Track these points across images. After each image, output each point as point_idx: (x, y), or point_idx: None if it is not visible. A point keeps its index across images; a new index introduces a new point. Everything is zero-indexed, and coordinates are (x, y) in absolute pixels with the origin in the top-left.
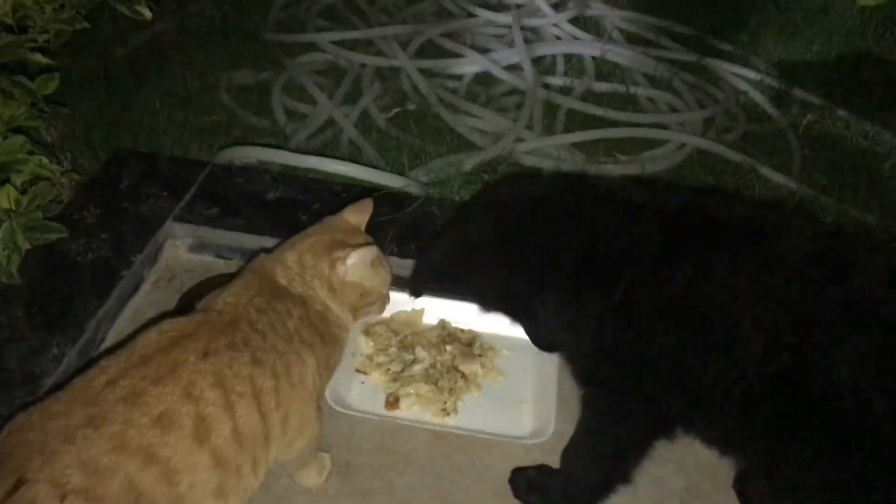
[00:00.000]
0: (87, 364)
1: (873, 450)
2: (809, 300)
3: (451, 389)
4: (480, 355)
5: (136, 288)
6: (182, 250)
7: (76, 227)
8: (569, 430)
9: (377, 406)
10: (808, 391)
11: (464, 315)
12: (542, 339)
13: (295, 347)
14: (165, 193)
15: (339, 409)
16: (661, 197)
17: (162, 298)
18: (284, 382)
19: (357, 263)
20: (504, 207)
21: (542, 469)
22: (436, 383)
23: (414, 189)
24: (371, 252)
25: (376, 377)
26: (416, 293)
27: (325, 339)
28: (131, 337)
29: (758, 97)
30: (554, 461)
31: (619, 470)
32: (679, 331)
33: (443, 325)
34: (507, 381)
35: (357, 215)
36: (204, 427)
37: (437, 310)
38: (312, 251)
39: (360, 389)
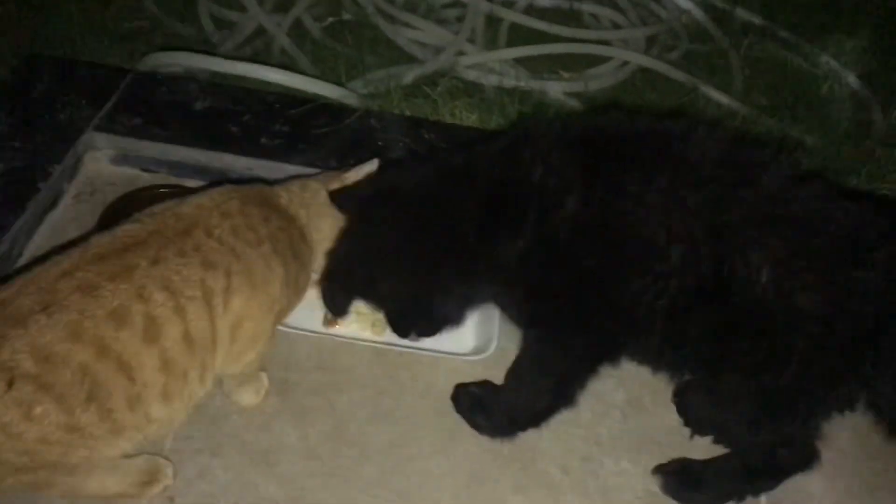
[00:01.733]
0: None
1: (803, 349)
2: (721, 206)
3: None
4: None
5: (54, 202)
6: (104, 162)
7: None
8: (511, 346)
9: (315, 324)
10: (731, 298)
11: None
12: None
13: (263, 252)
14: (84, 102)
15: (283, 328)
16: (560, 125)
17: (84, 212)
18: (242, 281)
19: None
20: (391, 200)
21: (484, 386)
22: None
23: (353, 101)
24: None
25: (313, 294)
26: (337, 312)
27: (297, 256)
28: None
29: (700, 16)
30: (496, 377)
31: (565, 396)
32: (597, 253)
33: None
34: None
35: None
36: (154, 328)
37: None
38: (319, 178)
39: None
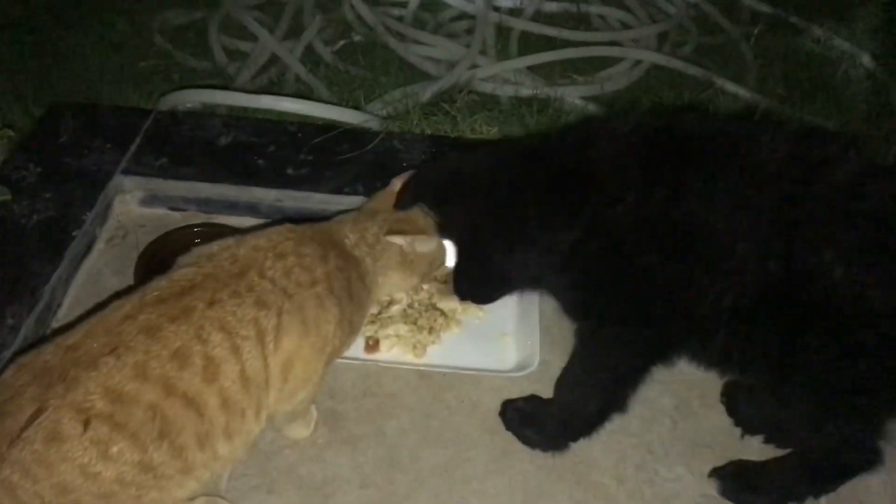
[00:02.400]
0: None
1: (874, 347)
2: (790, 203)
3: (430, 328)
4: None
5: (88, 248)
6: (133, 205)
7: (17, 187)
8: (555, 359)
9: (357, 350)
10: (802, 296)
11: None
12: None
13: (317, 292)
14: (109, 146)
15: None
16: (625, 125)
17: (117, 257)
18: (292, 320)
19: (423, 242)
20: (494, 154)
21: (532, 400)
22: (415, 323)
23: (373, 124)
24: (430, 231)
25: None
26: (402, 206)
27: (353, 297)
28: (96, 308)
29: (708, 9)
30: (541, 391)
31: (616, 399)
32: (660, 250)
33: None
34: (488, 316)
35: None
36: (213, 367)
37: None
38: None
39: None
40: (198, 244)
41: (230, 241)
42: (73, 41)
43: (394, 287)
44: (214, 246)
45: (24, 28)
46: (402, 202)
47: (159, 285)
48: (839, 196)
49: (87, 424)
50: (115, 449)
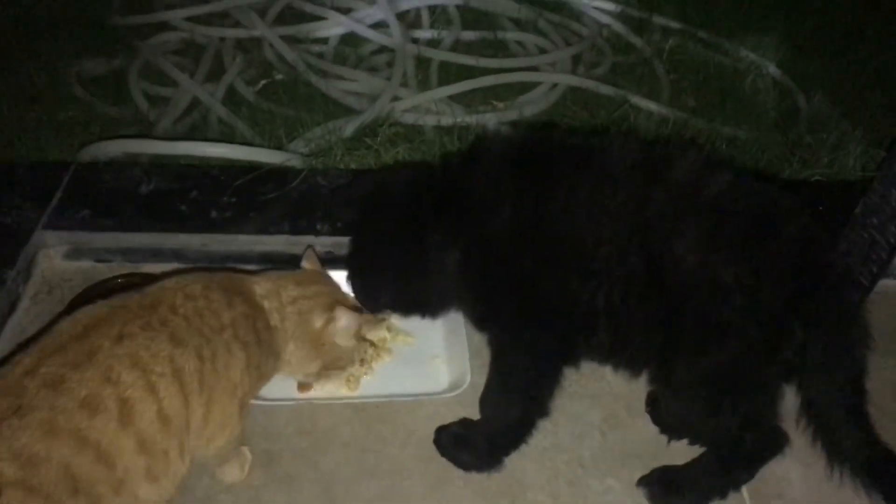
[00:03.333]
0: None
1: (734, 322)
2: (639, 204)
3: (361, 360)
4: (384, 319)
5: (13, 306)
6: (57, 259)
7: None
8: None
9: (290, 391)
10: (664, 287)
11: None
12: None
13: (224, 338)
14: (28, 202)
15: (253, 401)
16: (499, 145)
17: (44, 312)
18: (209, 367)
19: (347, 328)
20: (364, 214)
21: (463, 422)
22: None
23: (296, 162)
24: (359, 321)
25: None
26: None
27: (261, 343)
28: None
29: (620, 28)
30: (474, 413)
31: (535, 403)
32: (533, 258)
33: None
34: (417, 341)
35: (310, 263)
36: (127, 409)
37: None
38: (312, 300)
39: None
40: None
41: (134, 290)
42: None
43: (297, 364)
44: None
45: None
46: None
47: (59, 329)
48: (681, 191)
49: None
50: None
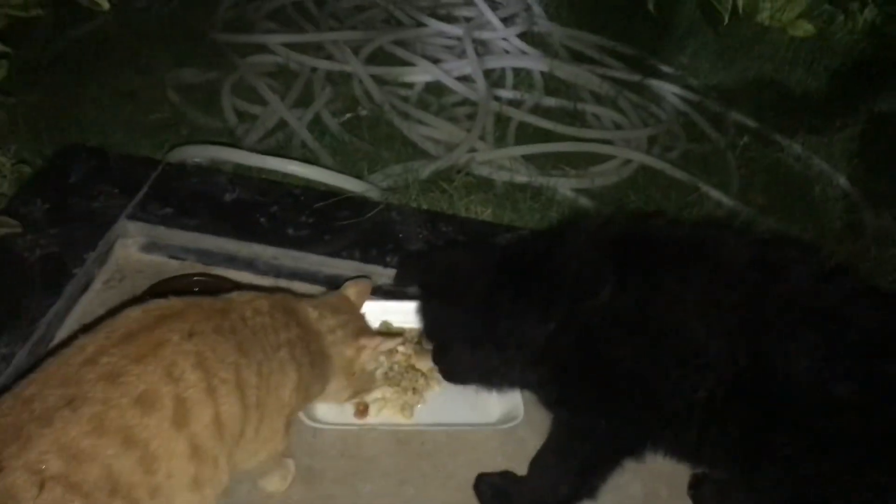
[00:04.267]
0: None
1: (841, 438)
2: (756, 303)
3: (413, 389)
4: (403, 340)
5: (85, 287)
6: (133, 250)
7: (24, 221)
8: (537, 415)
9: (347, 416)
10: (769, 390)
11: (403, 314)
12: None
13: (280, 357)
14: (117, 191)
15: (312, 423)
16: (596, 226)
17: (112, 298)
18: (265, 383)
19: (374, 353)
20: (476, 253)
21: (506, 476)
22: (398, 384)
23: (374, 194)
24: (383, 344)
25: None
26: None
27: (314, 365)
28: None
29: (697, 118)
30: (525, 449)
31: (586, 487)
32: (632, 345)
33: (387, 326)
34: None
35: (356, 293)
36: (184, 410)
37: (376, 313)
38: (343, 329)
39: (325, 403)
40: (196, 293)
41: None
42: (90, 87)
43: (329, 392)
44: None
45: (45, 70)
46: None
47: (130, 316)
48: (799, 295)
49: (41, 486)
50: None
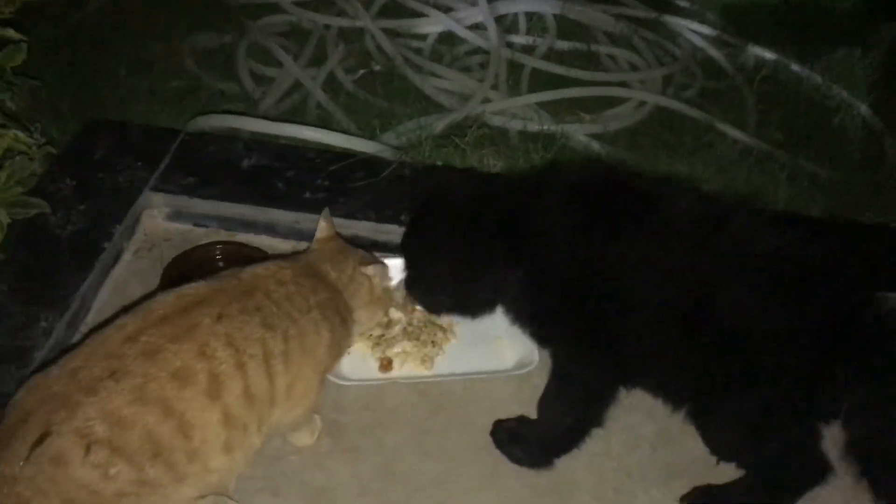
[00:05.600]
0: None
1: (782, 362)
2: (702, 250)
3: (433, 342)
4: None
5: (116, 259)
6: (160, 219)
7: (53, 199)
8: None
9: (372, 371)
10: (719, 328)
11: None
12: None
13: (313, 318)
14: (140, 163)
15: (340, 381)
16: (574, 175)
17: (143, 268)
18: (296, 346)
19: (382, 276)
20: (439, 212)
21: (521, 420)
22: (418, 338)
23: (387, 154)
24: (383, 266)
25: (360, 346)
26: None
27: (344, 323)
28: (123, 309)
29: (714, 53)
30: (539, 394)
31: (591, 412)
32: (594, 286)
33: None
34: (479, 323)
35: (326, 225)
36: (217, 384)
37: (396, 269)
38: (354, 269)
39: (348, 360)
40: (219, 260)
41: (229, 271)
42: (108, 61)
43: (367, 322)
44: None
45: (63, 48)
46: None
47: (165, 301)
48: (739, 242)
49: (87, 449)
50: (113, 470)
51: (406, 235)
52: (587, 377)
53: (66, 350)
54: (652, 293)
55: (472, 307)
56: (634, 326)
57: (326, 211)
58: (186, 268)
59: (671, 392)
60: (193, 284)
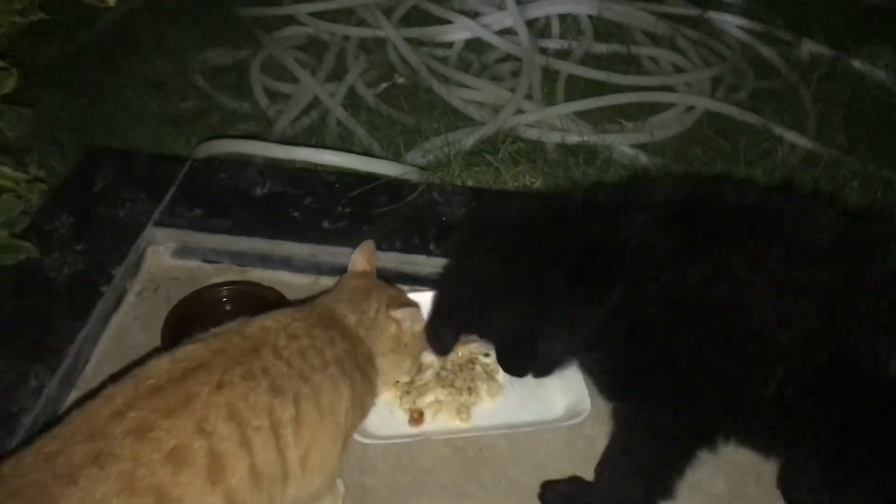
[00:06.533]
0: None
1: None
2: (843, 288)
3: (468, 388)
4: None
5: (118, 303)
6: (165, 256)
7: (48, 239)
8: (605, 408)
9: (401, 426)
10: (854, 389)
11: None
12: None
13: (329, 374)
14: (143, 195)
15: (365, 440)
16: (661, 191)
17: (148, 311)
18: (310, 410)
19: (412, 320)
20: (496, 237)
21: (574, 482)
22: (452, 385)
23: (412, 175)
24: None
25: (387, 396)
26: (441, 351)
27: (365, 378)
28: (129, 367)
29: (765, 51)
30: (594, 447)
31: (660, 486)
32: (697, 331)
33: None
34: None
35: (365, 259)
36: (218, 465)
37: (425, 304)
38: (379, 309)
39: (374, 414)
40: (225, 303)
41: (233, 324)
42: (115, 81)
43: (390, 373)
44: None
45: (65, 72)
46: (441, 346)
47: (158, 366)
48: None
49: None
50: None
51: (453, 273)
52: (668, 444)
53: (57, 414)
54: (781, 336)
55: (525, 352)
56: (753, 376)
57: (370, 244)
58: (190, 314)
59: (777, 452)
60: (190, 346)
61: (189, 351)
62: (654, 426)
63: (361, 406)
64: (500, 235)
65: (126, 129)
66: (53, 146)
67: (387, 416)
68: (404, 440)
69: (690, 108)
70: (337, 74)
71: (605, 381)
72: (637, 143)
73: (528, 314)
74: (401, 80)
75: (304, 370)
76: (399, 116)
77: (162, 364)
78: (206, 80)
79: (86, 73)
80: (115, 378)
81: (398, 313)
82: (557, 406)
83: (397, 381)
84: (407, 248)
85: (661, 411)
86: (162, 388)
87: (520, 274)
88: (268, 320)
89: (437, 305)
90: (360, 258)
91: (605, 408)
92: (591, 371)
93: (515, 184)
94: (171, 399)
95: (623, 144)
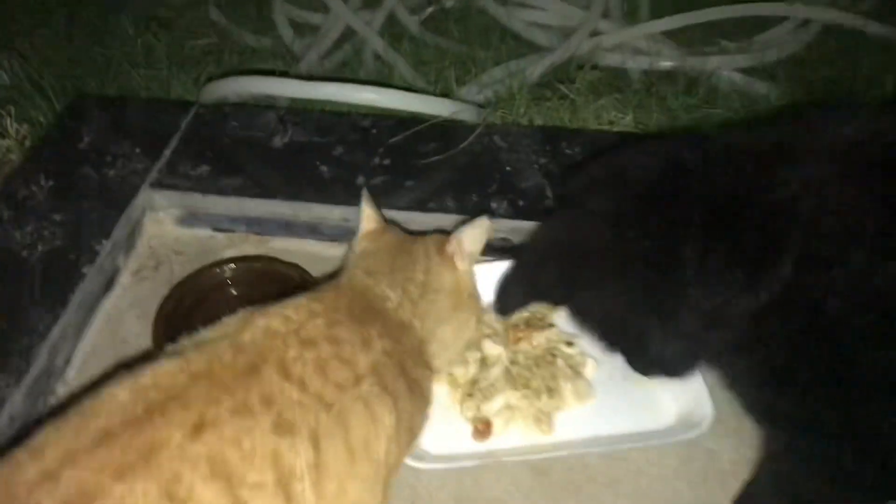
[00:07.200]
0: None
1: None
2: None
3: (549, 388)
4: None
5: (107, 286)
6: (167, 226)
7: (21, 208)
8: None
9: (464, 442)
10: None
11: None
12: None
13: (363, 394)
14: (138, 151)
15: (418, 464)
16: (848, 130)
17: (146, 295)
18: (335, 448)
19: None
20: (608, 195)
21: None
22: (527, 385)
23: (468, 115)
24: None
25: (444, 401)
26: (503, 311)
27: (414, 389)
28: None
29: None
30: (718, 467)
31: None
32: (891, 337)
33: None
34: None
35: (374, 216)
36: None
37: (481, 283)
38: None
39: (429, 424)
40: (229, 287)
41: (231, 319)
42: (114, 18)
43: (455, 343)
44: (208, 331)
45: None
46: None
47: (112, 402)
48: None
49: None
50: None
51: (546, 231)
52: (838, 483)
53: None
54: None
55: (647, 348)
56: None
57: (366, 192)
58: (188, 302)
59: None
60: (163, 365)
61: (158, 374)
62: (821, 465)
63: (410, 430)
64: (613, 192)
65: (125, 74)
66: (39, 95)
67: (445, 430)
68: (468, 463)
69: (806, 22)
70: (373, 1)
71: (754, 395)
72: (742, 67)
73: (639, 300)
74: (449, 3)
75: (326, 392)
76: (448, 45)
77: (117, 395)
78: (223, 13)
79: (81, 10)
80: (105, 380)
81: (451, 245)
82: (668, 412)
83: (457, 379)
84: (462, 209)
85: (844, 448)
86: (113, 436)
87: (636, 243)
88: (275, 319)
89: (520, 262)
90: (369, 211)
91: (731, 411)
92: (732, 383)
93: (598, 121)
94: (128, 450)
95: (726, 69)
